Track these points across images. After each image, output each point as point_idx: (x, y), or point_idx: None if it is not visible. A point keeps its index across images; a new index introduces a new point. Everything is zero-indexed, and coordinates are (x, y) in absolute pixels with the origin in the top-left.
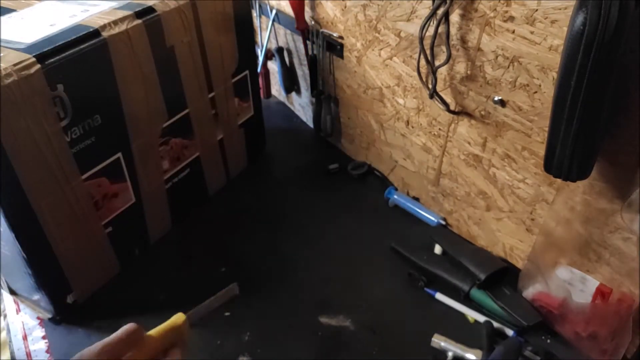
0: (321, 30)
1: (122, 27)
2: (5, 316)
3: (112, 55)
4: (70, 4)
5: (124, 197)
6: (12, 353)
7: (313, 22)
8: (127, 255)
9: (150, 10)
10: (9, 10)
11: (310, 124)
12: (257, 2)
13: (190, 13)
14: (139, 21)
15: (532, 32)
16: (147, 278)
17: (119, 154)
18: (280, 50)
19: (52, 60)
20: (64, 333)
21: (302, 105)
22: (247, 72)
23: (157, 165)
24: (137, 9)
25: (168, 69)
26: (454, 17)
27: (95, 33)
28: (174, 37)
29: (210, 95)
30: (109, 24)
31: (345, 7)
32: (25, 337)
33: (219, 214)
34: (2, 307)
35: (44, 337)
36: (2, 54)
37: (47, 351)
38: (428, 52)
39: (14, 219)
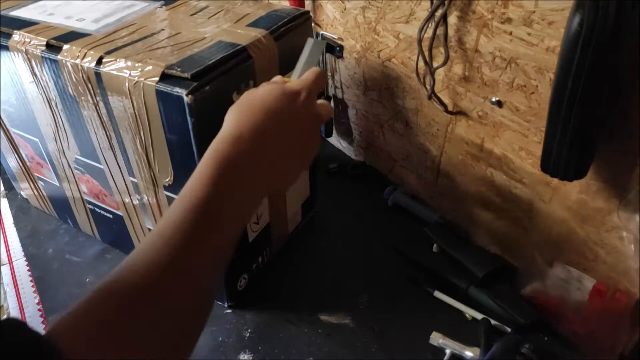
0: (321, 32)
1: None
2: None
3: None
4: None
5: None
6: None
7: (313, 24)
8: None
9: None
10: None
11: None
12: None
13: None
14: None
15: (529, 34)
16: None
17: None
18: None
19: None
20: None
21: None
22: None
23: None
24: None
25: None
26: (452, 19)
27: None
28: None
29: None
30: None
31: (345, 9)
32: None
33: None
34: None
35: None
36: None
37: None
38: (426, 53)
39: None
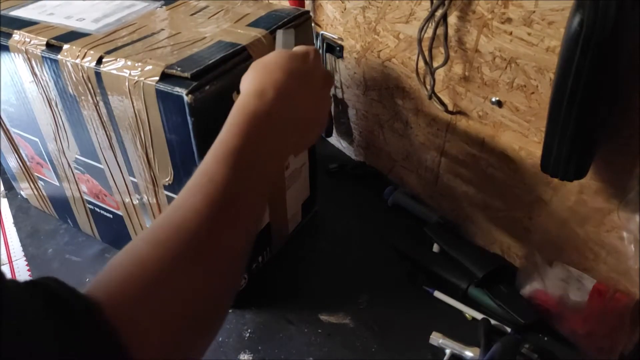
0: (321, 32)
1: None
2: None
3: None
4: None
5: None
6: None
7: (313, 24)
8: None
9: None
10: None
11: None
12: None
13: None
14: None
15: (529, 34)
16: None
17: None
18: None
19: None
20: None
21: None
22: None
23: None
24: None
25: None
26: (452, 19)
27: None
28: None
29: None
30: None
31: (345, 9)
32: None
33: None
34: None
35: None
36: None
37: None
38: (426, 53)
39: None
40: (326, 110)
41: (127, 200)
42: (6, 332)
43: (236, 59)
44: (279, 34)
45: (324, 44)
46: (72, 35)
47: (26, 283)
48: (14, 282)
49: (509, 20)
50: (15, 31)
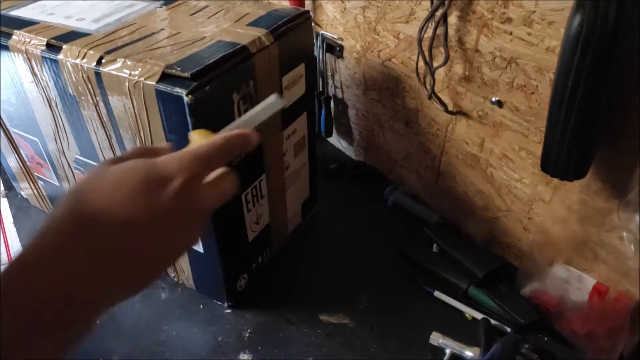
0: (321, 32)
1: None
2: None
3: None
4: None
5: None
6: None
7: (313, 24)
8: None
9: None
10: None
11: None
12: None
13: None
14: None
15: (529, 34)
16: None
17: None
18: None
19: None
20: None
21: None
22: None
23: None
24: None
25: None
26: (452, 19)
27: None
28: None
29: None
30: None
31: (345, 9)
32: None
33: None
34: None
35: None
36: None
37: None
38: (426, 53)
39: None
40: (182, 247)
41: None
42: None
43: (236, 59)
44: (270, 98)
45: (324, 44)
46: (72, 35)
47: None
48: None
49: (509, 20)
50: (15, 31)
